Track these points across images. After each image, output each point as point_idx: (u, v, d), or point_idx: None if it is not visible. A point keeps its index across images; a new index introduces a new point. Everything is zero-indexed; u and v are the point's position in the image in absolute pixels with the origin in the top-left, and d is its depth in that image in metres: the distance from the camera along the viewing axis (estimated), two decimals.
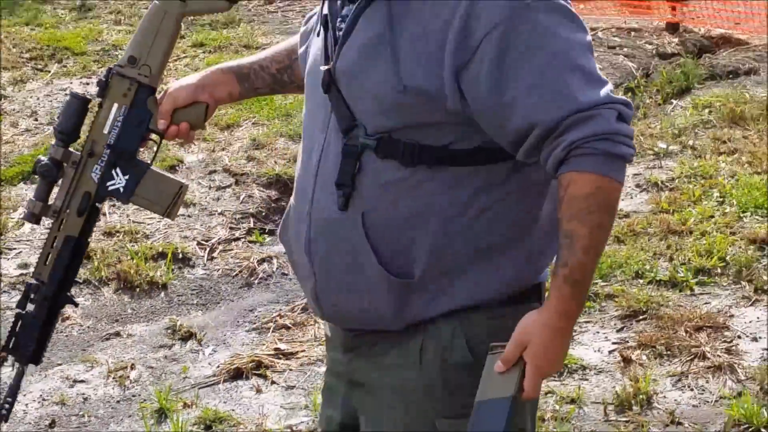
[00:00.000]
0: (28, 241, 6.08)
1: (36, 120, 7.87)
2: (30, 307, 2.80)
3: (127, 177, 2.72)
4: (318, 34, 2.58)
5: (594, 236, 2.36)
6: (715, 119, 7.46)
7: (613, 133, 2.30)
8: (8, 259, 5.88)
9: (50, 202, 2.77)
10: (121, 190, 2.73)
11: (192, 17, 2.76)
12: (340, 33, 2.48)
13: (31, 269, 5.63)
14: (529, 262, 2.58)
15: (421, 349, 2.54)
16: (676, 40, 9.29)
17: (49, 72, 8.83)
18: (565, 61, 2.33)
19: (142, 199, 2.77)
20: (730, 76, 8.53)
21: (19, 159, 7.05)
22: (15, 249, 5.99)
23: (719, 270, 5.45)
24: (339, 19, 2.51)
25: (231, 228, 6.26)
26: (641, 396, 4.53)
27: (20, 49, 9.30)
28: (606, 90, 2.34)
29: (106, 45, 9.47)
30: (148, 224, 6.22)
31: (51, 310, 2.81)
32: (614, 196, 2.38)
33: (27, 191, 6.63)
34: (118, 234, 6.10)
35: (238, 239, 6.19)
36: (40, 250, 2.87)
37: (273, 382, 4.82)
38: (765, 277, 5.38)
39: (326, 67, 2.49)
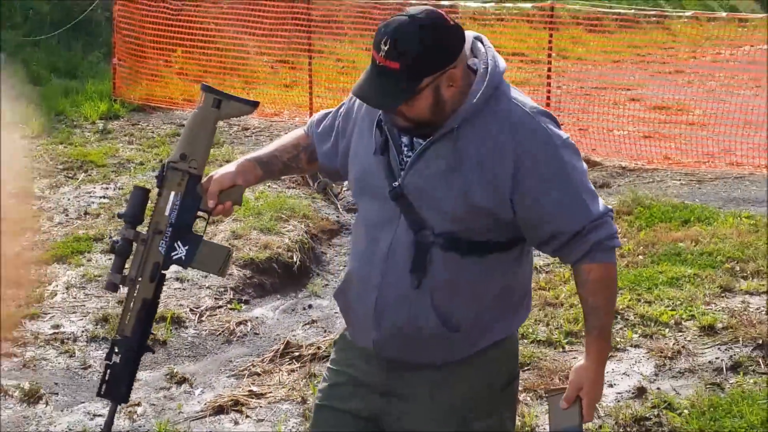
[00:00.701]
0: (59, 307, 6.00)
1: (67, 216, 7.80)
2: (116, 358, 2.78)
3: (186, 247, 2.74)
4: (375, 153, 2.62)
5: (610, 304, 2.67)
6: None
7: (614, 233, 2.60)
8: (44, 321, 5.80)
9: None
10: (183, 258, 2.75)
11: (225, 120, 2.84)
12: (408, 159, 2.58)
13: (62, 329, 5.67)
14: (522, 317, 2.83)
15: (465, 374, 2.69)
16: None
17: (78, 179, 8.78)
18: (580, 186, 2.56)
19: (200, 263, 2.79)
20: None
21: (53, 245, 6.98)
22: (49, 314, 5.90)
23: (583, 333, 5.47)
24: (406, 148, 2.60)
25: (216, 298, 6.22)
26: (527, 428, 4.53)
27: (55, 161, 9.28)
28: (602, 202, 2.61)
29: (122, 159, 9.47)
30: None
31: (135, 357, 2.78)
32: (616, 275, 2.70)
33: (59, 270, 6.58)
34: None
35: (220, 307, 6.15)
36: (120, 311, 2.85)
37: (247, 416, 4.77)
38: (617, 338, 5.42)
39: (396, 183, 2.57)
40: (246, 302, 6.27)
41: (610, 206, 2.64)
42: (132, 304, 2.76)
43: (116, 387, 2.78)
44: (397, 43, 2.38)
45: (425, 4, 2.55)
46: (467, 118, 2.51)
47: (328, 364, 2.98)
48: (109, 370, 2.77)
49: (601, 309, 2.62)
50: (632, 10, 14.94)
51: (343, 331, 2.93)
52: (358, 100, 2.72)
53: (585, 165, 2.64)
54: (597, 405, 4.71)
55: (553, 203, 2.53)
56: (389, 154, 2.60)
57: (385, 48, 2.39)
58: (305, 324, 5.96)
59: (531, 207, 2.54)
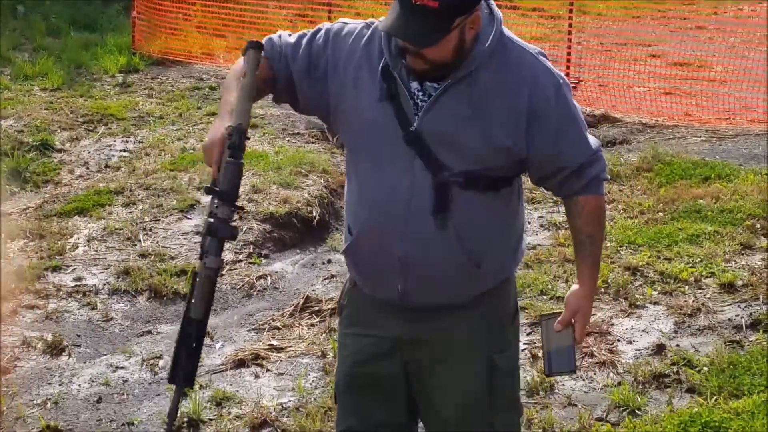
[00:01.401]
0: (81, 260, 6.03)
1: (87, 169, 7.84)
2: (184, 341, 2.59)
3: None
4: (380, 99, 2.60)
5: (602, 233, 2.83)
6: None
7: (606, 167, 2.77)
8: (66, 274, 5.83)
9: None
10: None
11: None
12: (423, 100, 2.57)
13: (84, 282, 5.69)
14: (520, 258, 2.92)
15: (488, 312, 2.80)
16: None
17: (98, 132, 8.78)
18: (581, 123, 2.70)
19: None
20: (609, 144, 8.57)
21: (74, 198, 7.01)
22: (71, 266, 5.93)
23: (603, 289, 5.46)
24: (420, 93, 2.59)
25: (236, 252, 6.22)
26: (546, 384, 4.52)
27: (76, 114, 9.28)
28: (594, 138, 2.74)
29: (142, 113, 9.44)
30: (173, 248, 6.19)
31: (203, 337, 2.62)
32: (605, 206, 2.86)
33: (80, 222, 6.60)
34: (149, 255, 6.06)
35: (240, 261, 6.16)
36: (194, 294, 2.56)
37: (268, 370, 4.80)
38: (637, 296, 5.40)
39: (413, 128, 2.57)
40: (266, 256, 6.27)
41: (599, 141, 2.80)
42: (203, 284, 2.53)
43: (188, 371, 2.58)
44: None
45: None
46: (482, 61, 2.56)
47: (342, 330, 2.95)
48: (183, 355, 2.56)
49: (596, 238, 2.77)
50: None
51: (348, 292, 2.91)
52: (346, 47, 2.68)
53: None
54: (614, 360, 4.76)
55: (562, 138, 2.65)
56: (400, 99, 2.59)
57: None
58: (325, 278, 5.94)
59: (544, 142, 2.63)
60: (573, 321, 2.78)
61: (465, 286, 2.71)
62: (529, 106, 2.59)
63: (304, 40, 2.71)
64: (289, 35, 2.75)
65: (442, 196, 2.59)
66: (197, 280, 2.54)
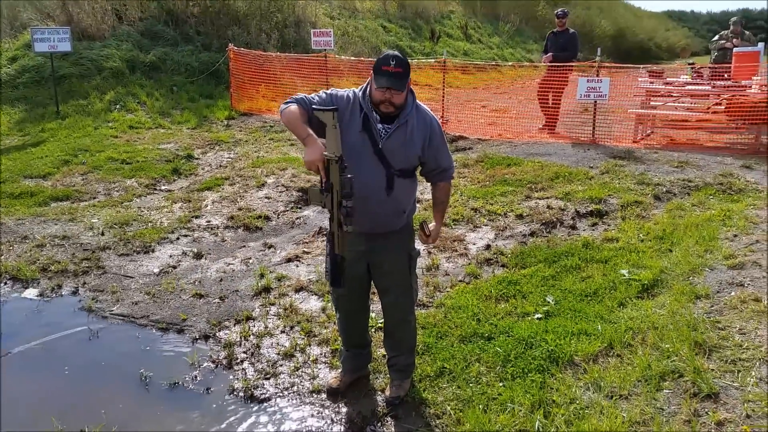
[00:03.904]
0: (209, 211, 5.83)
1: (210, 167, 7.53)
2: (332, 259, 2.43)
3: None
4: (360, 130, 2.52)
5: (448, 200, 2.81)
6: None
7: (454, 170, 2.75)
8: (202, 219, 5.63)
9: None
10: None
11: None
12: (384, 133, 2.52)
13: (211, 222, 5.49)
14: (414, 212, 2.80)
15: (406, 234, 2.74)
16: None
17: (215, 150, 8.48)
18: (447, 146, 2.70)
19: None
20: (461, 150, 8.49)
21: (204, 182, 6.78)
22: (204, 215, 5.74)
23: (460, 219, 5.42)
24: (380, 127, 2.53)
25: (284, 205, 6.06)
26: (434, 265, 4.50)
27: (204, 140, 8.90)
28: (451, 156, 2.71)
29: (237, 139, 9.06)
30: (254, 205, 6.03)
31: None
32: (450, 189, 2.79)
33: (208, 194, 6.37)
34: (243, 209, 5.89)
35: (287, 210, 5.98)
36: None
37: (302, 263, 4.72)
38: (476, 222, 5.38)
39: (380, 146, 2.53)
40: (300, 208, 6.15)
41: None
42: (343, 236, 2.38)
43: (336, 279, 2.46)
44: (398, 61, 2.44)
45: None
46: (409, 115, 2.57)
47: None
48: (333, 271, 2.44)
49: (445, 203, 2.78)
50: (482, 62, 14.70)
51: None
52: (343, 102, 2.56)
53: None
54: (467, 252, 4.74)
55: (439, 152, 2.64)
56: (372, 132, 2.52)
57: (393, 63, 2.43)
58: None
59: (431, 153, 2.63)
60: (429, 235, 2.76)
61: (397, 222, 2.67)
62: (428, 136, 2.59)
63: (323, 96, 2.59)
64: (310, 96, 2.60)
65: (390, 181, 2.56)
66: (339, 233, 2.33)
